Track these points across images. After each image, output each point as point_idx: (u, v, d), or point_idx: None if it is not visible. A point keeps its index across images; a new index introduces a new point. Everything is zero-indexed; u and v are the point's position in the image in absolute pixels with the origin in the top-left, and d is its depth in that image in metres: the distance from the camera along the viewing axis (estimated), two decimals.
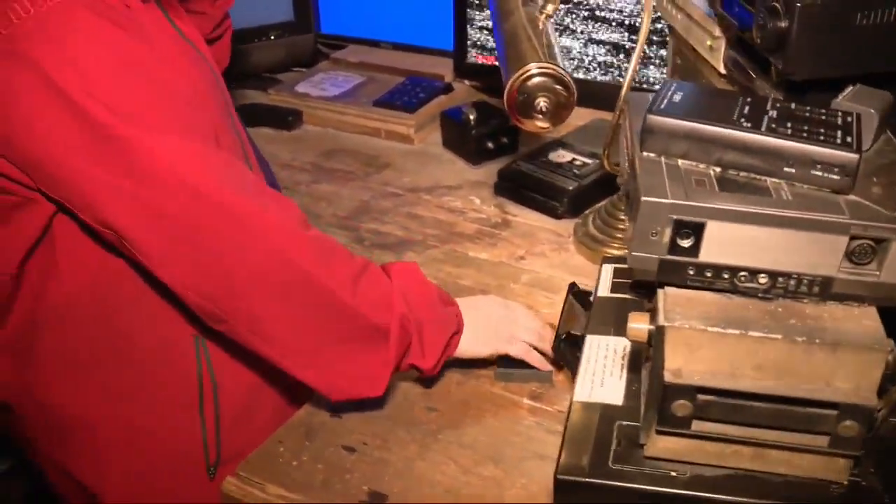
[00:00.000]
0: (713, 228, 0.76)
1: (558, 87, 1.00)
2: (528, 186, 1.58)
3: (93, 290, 1.04)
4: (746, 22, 1.04)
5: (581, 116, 1.74)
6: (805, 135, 0.79)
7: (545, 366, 1.15)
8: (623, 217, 1.40)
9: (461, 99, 1.94)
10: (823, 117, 0.83)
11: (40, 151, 0.90)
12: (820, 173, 0.78)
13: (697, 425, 0.80)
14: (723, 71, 1.22)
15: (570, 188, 1.53)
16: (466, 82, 2.04)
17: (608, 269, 1.19)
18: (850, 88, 0.90)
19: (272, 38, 2.15)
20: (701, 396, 0.78)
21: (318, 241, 0.99)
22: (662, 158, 0.82)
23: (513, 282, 1.38)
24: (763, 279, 0.79)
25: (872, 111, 0.86)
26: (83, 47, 0.89)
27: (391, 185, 1.71)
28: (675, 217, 0.76)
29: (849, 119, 0.83)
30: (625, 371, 0.99)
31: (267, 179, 1.23)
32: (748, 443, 0.80)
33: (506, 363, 1.16)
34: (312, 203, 1.64)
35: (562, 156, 1.62)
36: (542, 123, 1.02)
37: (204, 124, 0.99)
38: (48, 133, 0.89)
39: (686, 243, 0.78)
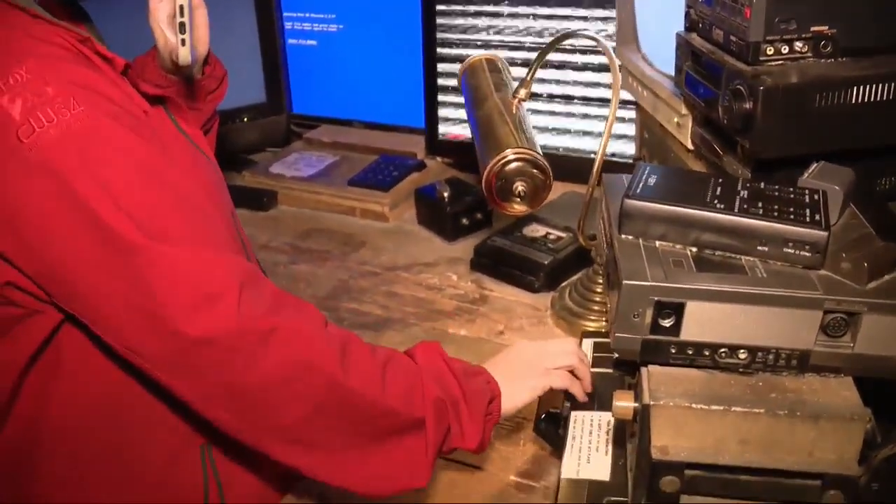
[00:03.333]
0: (693, 308, 0.79)
1: (535, 171, 1.04)
2: (504, 262, 1.61)
3: (99, 403, 1.01)
4: (712, 101, 1.08)
5: (553, 190, 1.76)
6: (776, 214, 0.82)
7: (583, 398, 1.12)
8: (599, 290, 1.43)
9: (434, 175, 1.98)
10: (792, 196, 0.87)
11: (58, 266, 0.89)
12: (792, 251, 0.82)
13: (686, 499, 0.82)
14: (690, 147, 1.26)
15: (546, 262, 1.56)
16: (439, 159, 2.08)
17: (588, 344, 1.22)
18: (814, 166, 0.94)
19: (245, 119, 2.18)
20: (688, 472, 0.80)
21: (339, 344, 0.96)
22: (640, 241, 0.85)
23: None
24: (743, 355, 0.81)
25: (837, 188, 0.90)
26: (107, 159, 0.88)
27: (369, 263, 1.73)
28: (655, 298, 0.79)
29: (815, 197, 0.87)
30: (610, 446, 1.01)
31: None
32: None
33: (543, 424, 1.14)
34: (291, 284, 1.66)
35: (536, 230, 1.66)
36: (520, 206, 1.05)
37: (222, 231, 0.98)
38: (68, 247, 0.87)
39: (667, 323, 0.80)
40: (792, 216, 0.82)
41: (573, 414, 1.06)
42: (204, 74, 1.31)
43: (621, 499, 0.93)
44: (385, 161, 2.04)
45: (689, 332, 0.80)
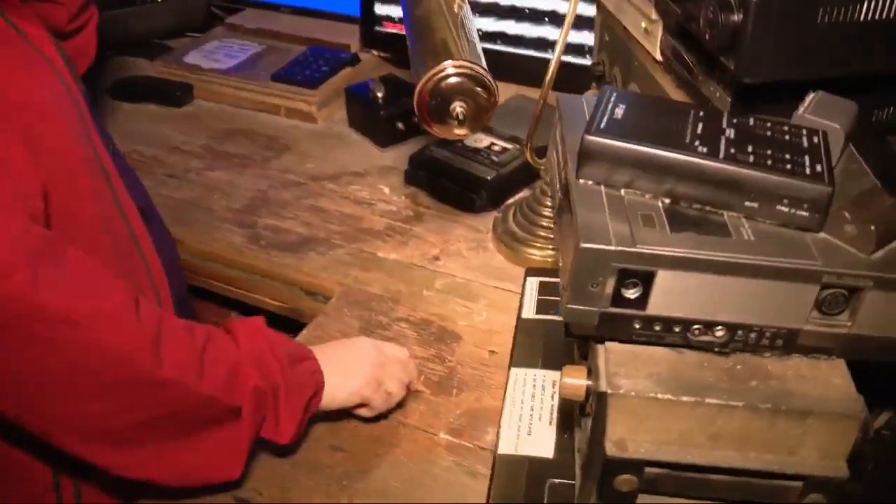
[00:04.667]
0: (665, 278, 0.64)
1: (479, 89, 0.87)
2: (442, 175, 1.44)
3: None
4: (691, 9, 0.91)
5: (502, 92, 1.60)
6: (769, 162, 0.67)
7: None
8: (547, 213, 1.28)
9: (369, 72, 1.77)
10: (787, 137, 0.71)
11: None
12: (786, 209, 0.67)
13: (645, 499, 0.69)
14: (659, 58, 1.10)
15: (489, 178, 1.40)
16: (375, 52, 1.88)
17: (532, 285, 1.08)
18: (811, 96, 0.78)
19: (159, 0, 1.94)
20: (649, 470, 0.67)
21: (153, 329, 0.84)
22: (602, 187, 0.69)
23: (426, 288, 1.25)
24: (720, 332, 0.67)
25: (838, 126, 0.75)
26: None
27: (292, 171, 1.55)
28: (619, 266, 0.64)
29: (815, 140, 0.71)
30: (555, 413, 0.88)
31: (132, 192, 1.04)
32: None
33: None
34: (205, 195, 1.47)
35: (479, 139, 1.48)
36: (458, 130, 0.88)
37: (31, 189, 0.82)
38: None
39: (632, 294, 0.65)
40: (789, 165, 0.67)
41: (512, 371, 0.93)
42: None
43: (566, 481, 0.80)
44: (314, 53, 1.83)
45: (657, 306, 0.66)
